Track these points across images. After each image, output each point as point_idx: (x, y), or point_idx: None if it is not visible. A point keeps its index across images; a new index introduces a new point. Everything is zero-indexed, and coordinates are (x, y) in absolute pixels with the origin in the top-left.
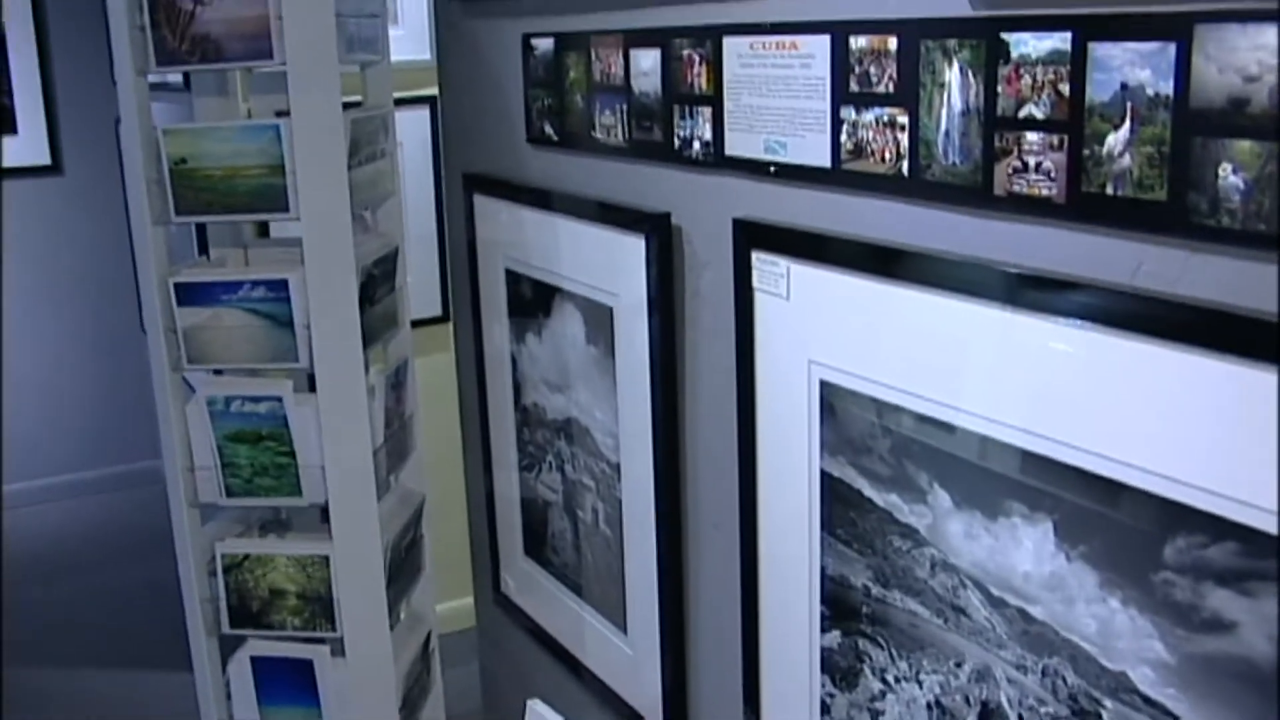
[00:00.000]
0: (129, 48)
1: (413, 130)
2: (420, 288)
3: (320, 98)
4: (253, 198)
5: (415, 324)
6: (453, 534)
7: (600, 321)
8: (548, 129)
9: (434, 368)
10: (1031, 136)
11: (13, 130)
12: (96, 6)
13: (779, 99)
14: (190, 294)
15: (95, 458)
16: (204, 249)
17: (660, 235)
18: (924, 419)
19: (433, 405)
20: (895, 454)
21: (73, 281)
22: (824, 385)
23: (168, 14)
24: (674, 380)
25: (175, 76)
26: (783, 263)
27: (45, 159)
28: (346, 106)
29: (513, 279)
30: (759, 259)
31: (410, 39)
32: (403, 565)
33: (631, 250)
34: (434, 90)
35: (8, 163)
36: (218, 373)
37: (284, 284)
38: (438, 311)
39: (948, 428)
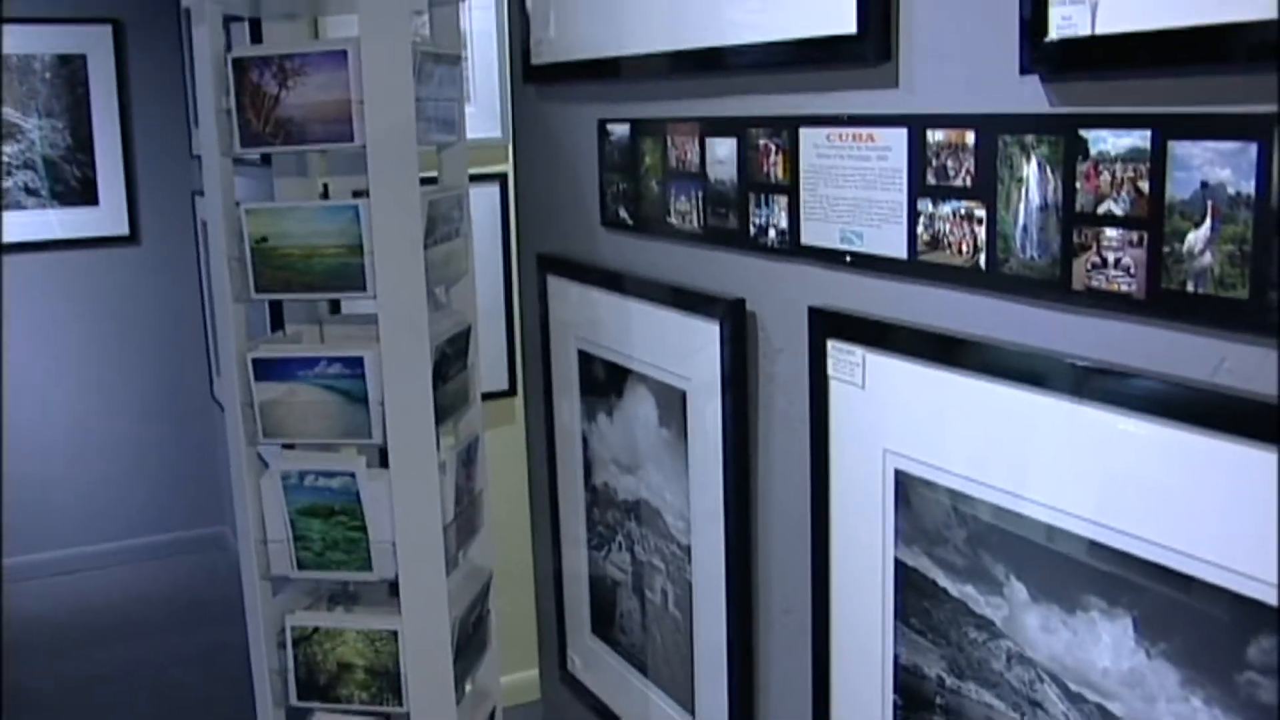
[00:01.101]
0: (215, 129)
1: (482, 205)
2: (486, 361)
3: (399, 179)
4: (330, 276)
5: (481, 398)
6: (516, 605)
7: (672, 404)
8: (622, 213)
9: (499, 441)
10: (1111, 232)
11: (94, 202)
12: (177, 85)
13: (855, 190)
14: (267, 369)
15: (161, 523)
16: (277, 323)
17: (734, 321)
18: (1000, 510)
19: (497, 478)
20: (971, 545)
21: (145, 349)
22: (899, 474)
23: (253, 98)
24: (746, 465)
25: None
26: (858, 351)
27: (124, 230)
28: (422, 183)
29: (585, 359)
30: (834, 347)
31: (482, 117)
32: (469, 641)
33: (705, 335)
34: (504, 167)
35: (89, 233)
36: (288, 446)
37: (359, 361)
38: (504, 385)
39: (1025, 520)
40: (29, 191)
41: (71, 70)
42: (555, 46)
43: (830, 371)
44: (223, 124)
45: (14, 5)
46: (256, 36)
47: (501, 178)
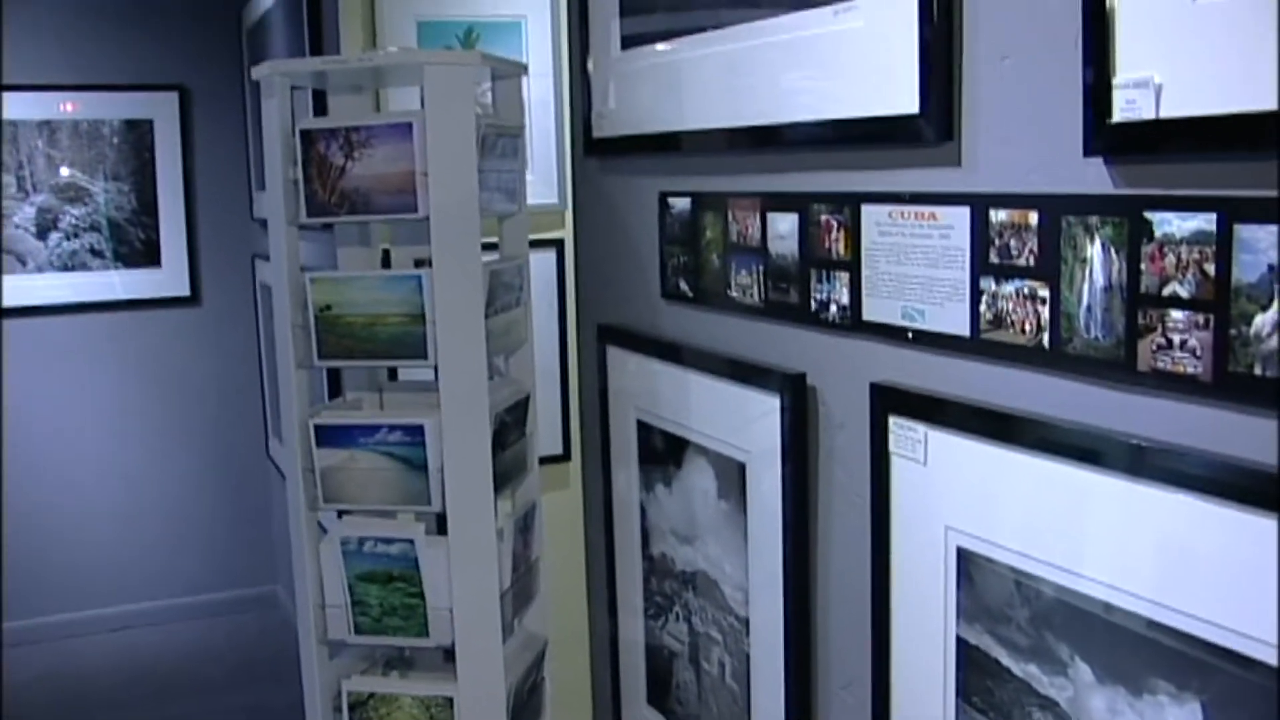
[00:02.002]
0: (282, 199)
1: (539, 271)
2: (540, 425)
3: (461, 250)
4: (392, 345)
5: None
6: (572, 673)
7: (732, 476)
8: (682, 285)
9: (553, 506)
10: (1176, 314)
11: (156, 263)
12: (240, 150)
13: (917, 267)
14: (329, 435)
15: (215, 581)
16: (334, 389)
17: (795, 395)
18: (1064, 590)
19: (550, 543)
20: (1034, 624)
21: (203, 408)
22: (961, 552)
23: (319, 169)
24: (806, 538)
25: None
26: (920, 429)
27: (185, 291)
28: (482, 250)
29: (643, 429)
30: (896, 424)
31: (539, 183)
32: (524, 708)
33: (766, 408)
34: (561, 233)
35: (151, 294)
36: (346, 512)
37: (420, 429)
38: (558, 450)
39: (1089, 600)
40: (94, 253)
41: (138, 135)
42: (616, 120)
43: (892, 447)
44: (289, 193)
45: (86, 73)
46: (319, 105)
47: (558, 244)
